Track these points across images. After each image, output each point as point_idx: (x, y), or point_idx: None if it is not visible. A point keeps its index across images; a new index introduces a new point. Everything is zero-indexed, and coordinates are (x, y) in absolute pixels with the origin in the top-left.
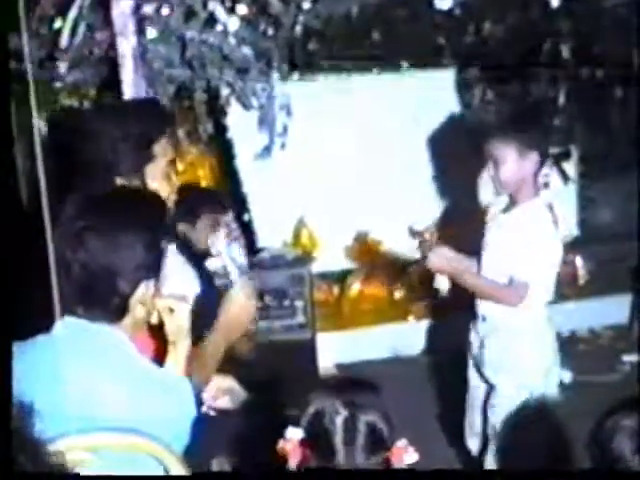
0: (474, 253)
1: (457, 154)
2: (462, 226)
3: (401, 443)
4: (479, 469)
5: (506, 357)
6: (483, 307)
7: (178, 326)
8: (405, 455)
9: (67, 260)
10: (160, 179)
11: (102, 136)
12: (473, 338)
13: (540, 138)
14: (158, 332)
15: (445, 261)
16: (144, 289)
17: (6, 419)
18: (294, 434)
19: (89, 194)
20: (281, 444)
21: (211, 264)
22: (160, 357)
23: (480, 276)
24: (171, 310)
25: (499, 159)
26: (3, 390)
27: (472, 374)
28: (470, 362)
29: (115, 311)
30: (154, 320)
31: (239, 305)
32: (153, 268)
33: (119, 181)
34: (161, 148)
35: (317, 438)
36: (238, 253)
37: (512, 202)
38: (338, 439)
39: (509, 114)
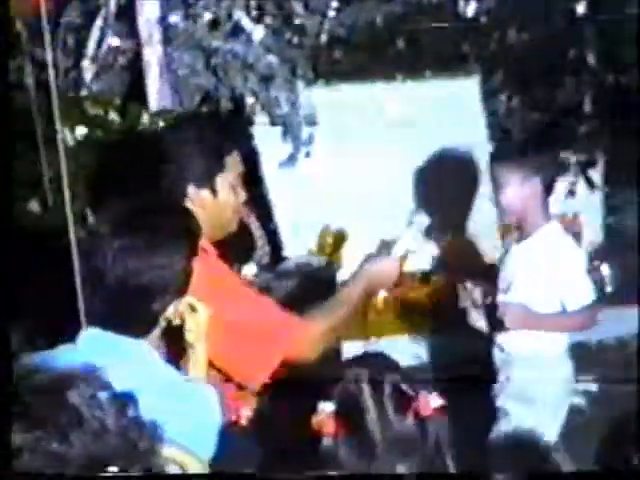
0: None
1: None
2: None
3: (424, 392)
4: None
5: (525, 387)
6: (501, 337)
7: (198, 325)
8: (431, 400)
9: (104, 274)
10: (227, 190)
11: (180, 142)
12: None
13: (544, 164)
14: (175, 337)
15: (522, 320)
16: (173, 307)
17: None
18: (326, 407)
19: (131, 208)
20: (315, 418)
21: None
22: (176, 361)
23: (550, 316)
24: (193, 309)
25: (501, 184)
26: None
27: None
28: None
29: (143, 327)
30: (177, 320)
31: (388, 260)
32: (184, 288)
33: (191, 188)
34: (232, 160)
35: (348, 407)
36: None
37: (520, 231)
38: (367, 400)
39: (513, 139)
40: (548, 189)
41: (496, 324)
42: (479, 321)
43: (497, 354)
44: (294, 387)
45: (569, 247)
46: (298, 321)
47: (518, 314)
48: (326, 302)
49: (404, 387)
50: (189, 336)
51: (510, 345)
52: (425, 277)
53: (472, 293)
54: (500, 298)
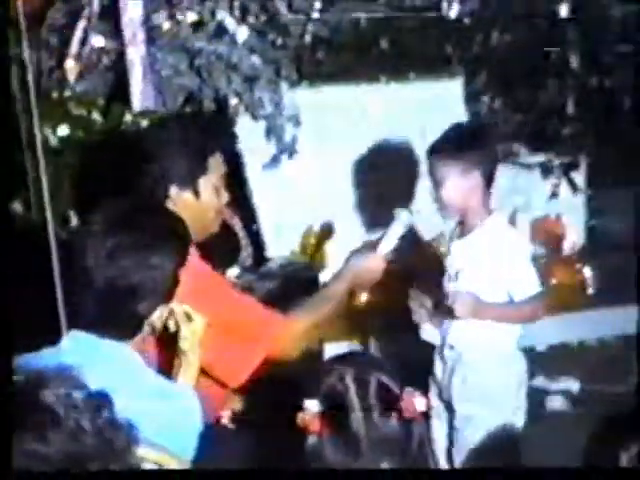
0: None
1: None
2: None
3: (409, 390)
4: None
5: (477, 385)
6: (449, 334)
7: (194, 334)
8: (415, 400)
9: (91, 275)
10: (210, 192)
11: (162, 143)
12: (438, 366)
13: (482, 157)
14: (165, 343)
15: (471, 308)
16: (159, 313)
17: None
18: (311, 405)
19: (120, 209)
20: (300, 416)
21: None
22: (166, 368)
23: (499, 305)
24: (189, 318)
25: (441, 179)
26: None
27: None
28: (433, 390)
29: (128, 330)
30: (172, 327)
31: (373, 257)
32: (170, 292)
33: (173, 189)
34: (215, 162)
35: (333, 405)
36: None
37: (462, 226)
38: (352, 398)
39: (450, 133)
40: (489, 182)
41: (447, 313)
42: (431, 333)
43: (448, 354)
44: (279, 386)
45: (513, 238)
46: (280, 318)
47: (468, 302)
48: (309, 299)
49: (390, 386)
50: (184, 344)
51: (461, 343)
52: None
53: (421, 302)
54: (450, 288)
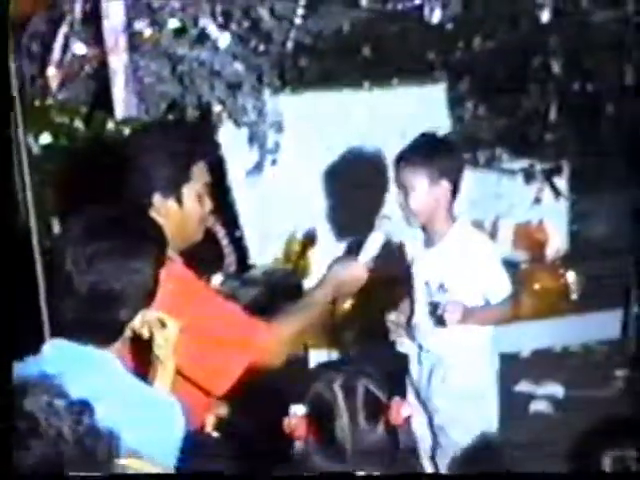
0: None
1: None
2: None
3: (396, 399)
4: None
5: (456, 383)
6: (425, 339)
7: (167, 340)
8: (402, 409)
9: (73, 281)
10: (193, 200)
11: (146, 151)
12: (415, 370)
13: (449, 166)
14: (142, 349)
15: (460, 316)
16: (140, 317)
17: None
18: (298, 410)
19: (100, 216)
20: (286, 421)
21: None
22: (143, 374)
23: (480, 310)
24: (162, 324)
25: (409, 187)
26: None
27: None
28: (411, 392)
29: (109, 336)
30: (145, 334)
31: (354, 266)
32: (151, 297)
33: (157, 197)
34: (199, 170)
35: (320, 411)
36: None
37: (427, 233)
38: (340, 405)
39: (418, 142)
40: (455, 190)
41: (437, 322)
42: (407, 345)
43: (425, 358)
44: (264, 392)
45: (483, 242)
46: (264, 326)
47: (457, 311)
48: (292, 306)
49: (376, 393)
50: (158, 351)
51: (438, 347)
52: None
53: (397, 320)
54: (435, 299)
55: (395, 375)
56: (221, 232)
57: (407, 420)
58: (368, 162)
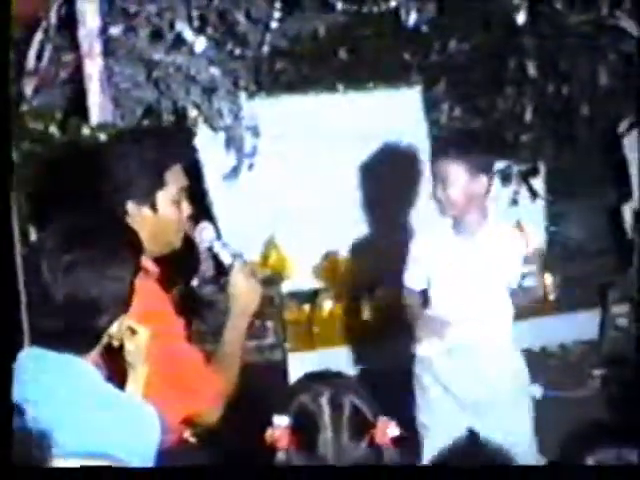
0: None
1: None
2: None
3: (383, 419)
4: None
5: (477, 380)
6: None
7: (137, 347)
8: (388, 430)
9: (49, 289)
10: (170, 206)
11: (118, 159)
12: (443, 365)
13: (490, 161)
14: (115, 355)
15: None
16: (118, 324)
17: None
18: (281, 421)
19: (76, 224)
20: (269, 432)
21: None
22: (117, 379)
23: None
24: (133, 331)
25: (449, 179)
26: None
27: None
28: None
29: (87, 344)
30: (115, 342)
31: (244, 285)
32: (127, 304)
33: (130, 205)
34: (173, 175)
35: (304, 423)
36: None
37: (458, 224)
38: (325, 419)
39: (457, 135)
40: (489, 187)
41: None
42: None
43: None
44: (248, 399)
45: (516, 237)
46: (213, 378)
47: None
48: (217, 356)
49: (363, 410)
50: (129, 357)
51: (465, 339)
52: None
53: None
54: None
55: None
56: (198, 237)
57: (393, 440)
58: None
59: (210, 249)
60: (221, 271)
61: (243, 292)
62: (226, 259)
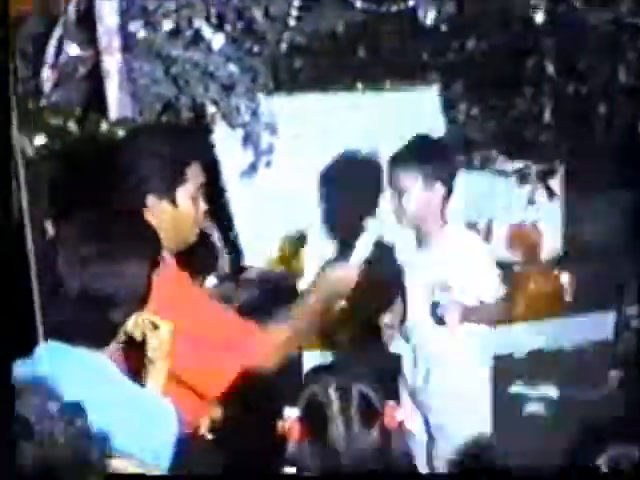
0: None
1: None
2: None
3: (390, 403)
4: None
5: (448, 384)
6: (420, 340)
7: (161, 342)
8: (397, 413)
9: (65, 284)
10: (188, 202)
11: (140, 153)
12: (409, 371)
13: (444, 169)
14: (135, 351)
15: (460, 316)
16: (133, 319)
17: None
18: (291, 412)
19: (93, 218)
20: (280, 424)
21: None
22: (136, 375)
23: (477, 310)
24: (155, 326)
25: (403, 188)
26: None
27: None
28: (405, 393)
29: (103, 338)
30: (137, 337)
31: (344, 273)
32: (144, 299)
33: (151, 198)
34: (193, 172)
35: (314, 413)
36: None
37: (420, 235)
38: (334, 409)
39: (413, 144)
40: (448, 194)
41: (438, 322)
42: (401, 346)
43: (420, 358)
44: (258, 394)
45: (476, 244)
46: (257, 329)
47: (456, 310)
48: (285, 311)
49: (371, 398)
50: (151, 353)
51: (430, 347)
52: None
53: (390, 322)
54: (435, 298)
55: (388, 377)
56: (215, 233)
57: (401, 424)
58: (362, 163)
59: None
60: (238, 268)
61: (339, 275)
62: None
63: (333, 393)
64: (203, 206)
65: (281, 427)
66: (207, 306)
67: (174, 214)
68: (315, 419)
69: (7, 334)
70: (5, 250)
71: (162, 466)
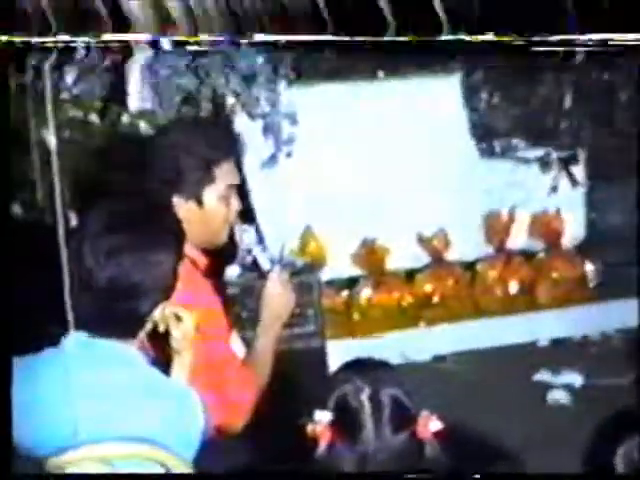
0: None
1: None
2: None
3: (425, 413)
4: None
5: None
6: None
7: (185, 333)
8: (431, 423)
9: (92, 275)
10: (218, 202)
11: (167, 151)
12: None
13: None
14: (161, 342)
15: None
16: (161, 310)
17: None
18: (322, 416)
19: (118, 208)
20: (310, 427)
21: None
22: (163, 365)
23: None
24: (178, 318)
25: None
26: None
27: None
28: None
29: (130, 329)
30: (161, 328)
31: (279, 293)
32: (171, 289)
33: (176, 200)
34: (222, 172)
35: (344, 418)
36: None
37: None
38: (365, 414)
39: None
40: None
41: None
42: None
43: None
44: (289, 391)
45: None
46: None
47: None
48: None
49: (405, 403)
50: (176, 344)
51: None
52: (409, 275)
53: None
54: None
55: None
56: (237, 224)
57: (435, 434)
58: None
59: (249, 252)
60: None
61: (277, 300)
62: (264, 264)
63: (366, 400)
64: (236, 205)
65: (311, 430)
66: (221, 333)
67: (201, 214)
68: (346, 423)
69: (35, 326)
70: (32, 243)
71: (189, 456)
